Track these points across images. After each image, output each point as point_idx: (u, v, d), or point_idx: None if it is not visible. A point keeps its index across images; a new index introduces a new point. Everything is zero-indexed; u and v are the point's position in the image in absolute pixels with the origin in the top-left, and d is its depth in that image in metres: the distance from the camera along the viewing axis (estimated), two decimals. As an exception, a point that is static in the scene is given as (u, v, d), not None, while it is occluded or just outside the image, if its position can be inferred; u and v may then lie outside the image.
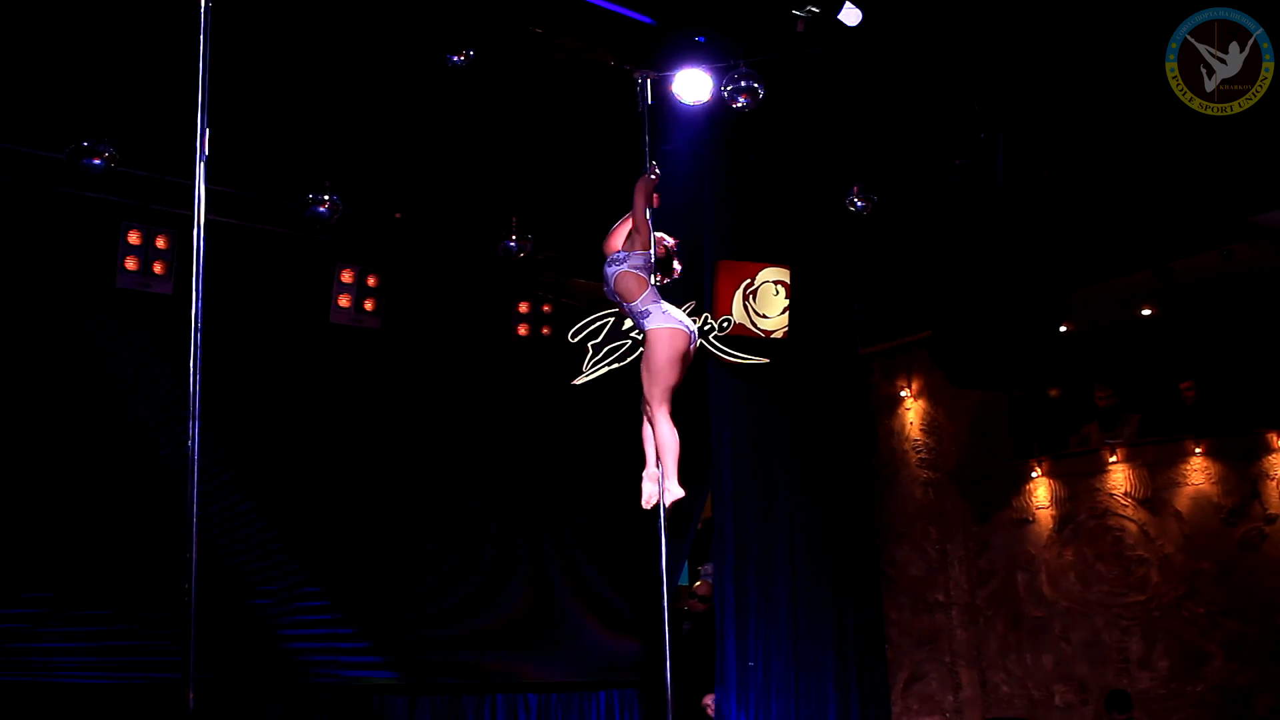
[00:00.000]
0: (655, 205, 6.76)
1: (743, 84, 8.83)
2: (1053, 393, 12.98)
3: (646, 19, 9.43)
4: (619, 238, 6.67)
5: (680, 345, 6.38)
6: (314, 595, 10.33)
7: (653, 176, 6.64)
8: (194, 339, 4.88)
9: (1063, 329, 10.47)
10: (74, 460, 9.34)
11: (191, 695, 4.66)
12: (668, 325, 6.38)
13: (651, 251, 6.52)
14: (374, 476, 10.76)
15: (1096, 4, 9.14)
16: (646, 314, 6.34)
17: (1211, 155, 9.76)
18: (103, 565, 9.31)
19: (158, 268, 9.48)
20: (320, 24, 9.05)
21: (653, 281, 6.52)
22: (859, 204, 10.68)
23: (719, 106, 9.08)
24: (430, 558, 10.94)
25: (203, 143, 5.03)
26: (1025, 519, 12.07)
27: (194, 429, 4.81)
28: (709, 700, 11.11)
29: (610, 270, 6.45)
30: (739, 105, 8.96)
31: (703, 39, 9.38)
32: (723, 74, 8.86)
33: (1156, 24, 8.37)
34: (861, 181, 10.68)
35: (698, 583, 12.52)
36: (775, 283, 11.01)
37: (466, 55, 9.16)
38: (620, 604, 11.81)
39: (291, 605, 10.24)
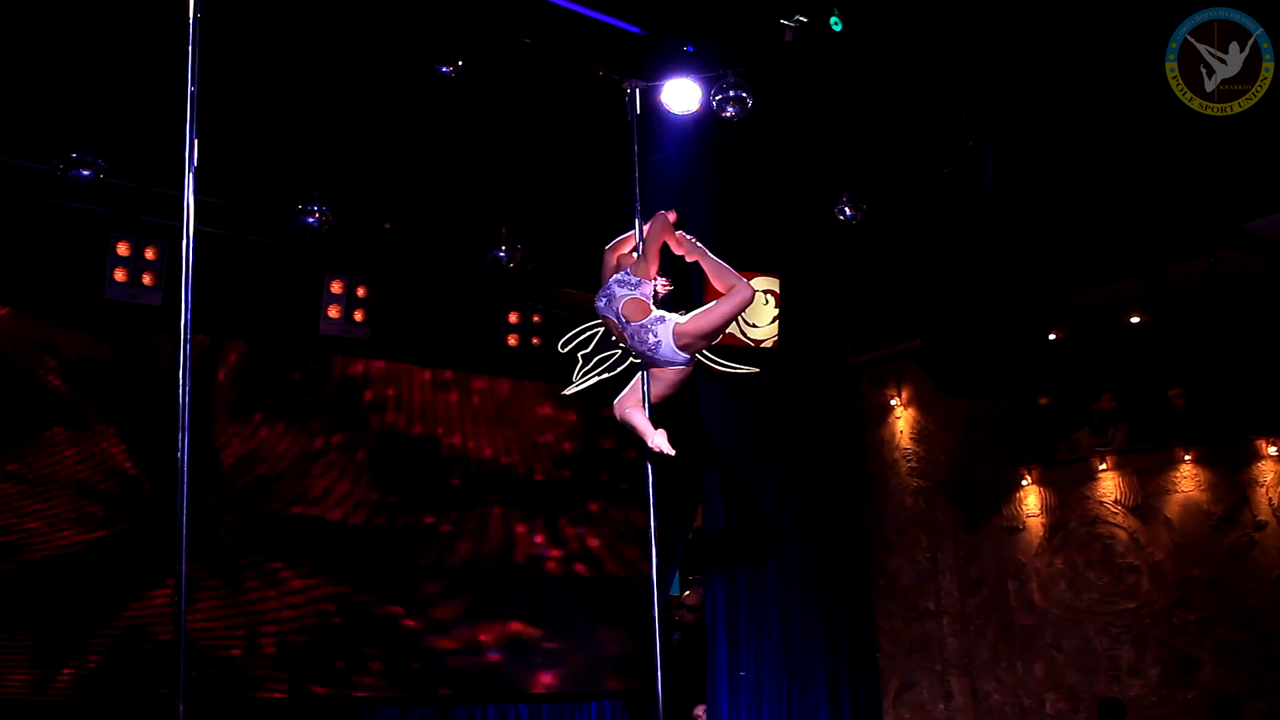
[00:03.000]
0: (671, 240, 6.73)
1: (731, 93, 8.83)
2: (1042, 401, 12.98)
3: (635, 29, 9.44)
4: (625, 258, 6.65)
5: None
6: (306, 604, 10.34)
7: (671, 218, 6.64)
8: (183, 350, 4.85)
9: (1052, 337, 10.48)
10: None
11: (181, 705, 4.63)
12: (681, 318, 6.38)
13: (653, 284, 6.50)
14: (366, 491, 10.78)
15: (1087, 12, 9.16)
16: (661, 319, 6.31)
17: (1200, 162, 9.79)
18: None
19: (147, 279, 9.48)
20: (309, 34, 9.04)
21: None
22: (848, 212, 10.67)
23: (708, 115, 9.08)
24: (424, 567, 10.95)
25: (191, 153, 5.01)
26: (1016, 527, 12.07)
27: (183, 440, 4.79)
28: (700, 710, 11.09)
29: (622, 292, 6.38)
30: (728, 114, 8.96)
31: (691, 48, 9.38)
32: (711, 83, 8.86)
33: (1151, 26, 8.38)
34: (851, 190, 10.68)
35: (687, 592, 12.51)
36: (765, 292, 10.99)
37: (455, 65, 9.16)
38: (613, 614, 11.81)
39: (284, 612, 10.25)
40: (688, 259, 6.61)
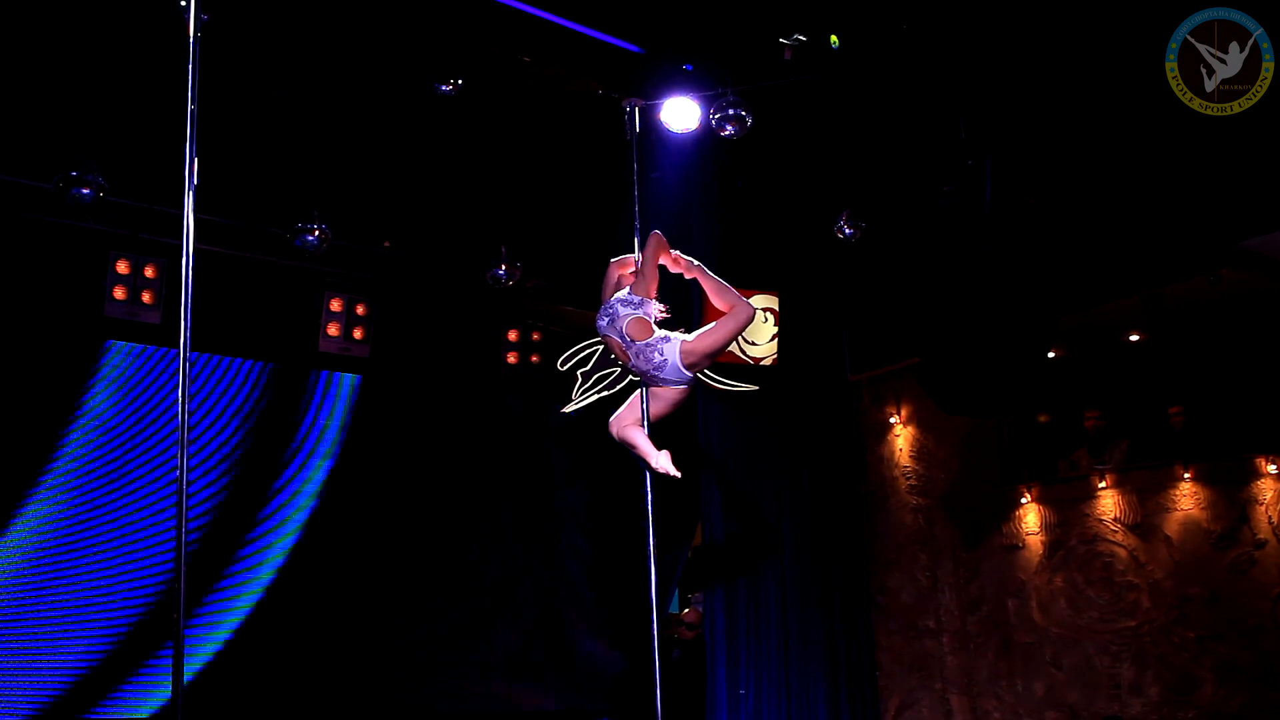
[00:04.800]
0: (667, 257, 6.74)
1: (730, 112, 8.85)
2: (1042, 419, 12.98)
3: (634, 47, 9.46)
4: (625, 277, 6.67)
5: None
6: (304, 628, 10.31)
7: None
8: (182, 368, 4.86)
9: (1051, 355, 10.48)
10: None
11: (180, 704, 4.64)
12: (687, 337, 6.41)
13: (655, 304, 6.52)
14: (365, 507, 10.77)
15: (1085, 27, 9.17)
16: (667, 339, 6.34)
17: (1199, 180, 9.80)
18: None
19: (146, 297, 9.48)
20: (309, 53, 9.07)
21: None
22: (847, 231, 10.69)
23: (707, 134, 9.10)
24: (422, 589, 10.93)
25: (191, 171, 5.03)
26: (1015, 545, 12.06)
27: (183, 457, 4.79)
28: (699, 728, 11.09)
29: (625, 311, 6.40)
30: (727, 133, 8.97)
31: (690, 67, 9.40)
32: (710, 102, 8.88)
33: (1149, 35, 8.39)
34: (849, 209, 10.70)
35: (686, 610, 12.50)
36: (764, 310, 11.00)
37: (455, 84, 9.18)
38: (611, 631, 11.80)
39: (281, 638, 10.22)
40: (686, 276, 6.64)
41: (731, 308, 6.42)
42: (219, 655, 9.88)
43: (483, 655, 11.19)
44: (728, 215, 11.15)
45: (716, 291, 6.56)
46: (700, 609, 11.72)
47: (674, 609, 13.10)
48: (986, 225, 9.48)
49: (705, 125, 8.92)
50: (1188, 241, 10.24)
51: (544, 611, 11.61)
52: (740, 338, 10.73)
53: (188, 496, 4.81)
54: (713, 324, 6.43)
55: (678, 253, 6.65)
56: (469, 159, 10.40)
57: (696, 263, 6.62)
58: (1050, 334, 9.78)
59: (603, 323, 6.46)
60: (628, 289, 6.50)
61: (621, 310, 6.39)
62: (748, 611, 11.25)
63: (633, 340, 6.32)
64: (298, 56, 9.05)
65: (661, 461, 6.40)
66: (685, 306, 10.72)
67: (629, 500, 12.04)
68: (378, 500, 10.82)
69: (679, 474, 6.44)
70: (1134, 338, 12.42)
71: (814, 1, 9.13)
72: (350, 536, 10.62)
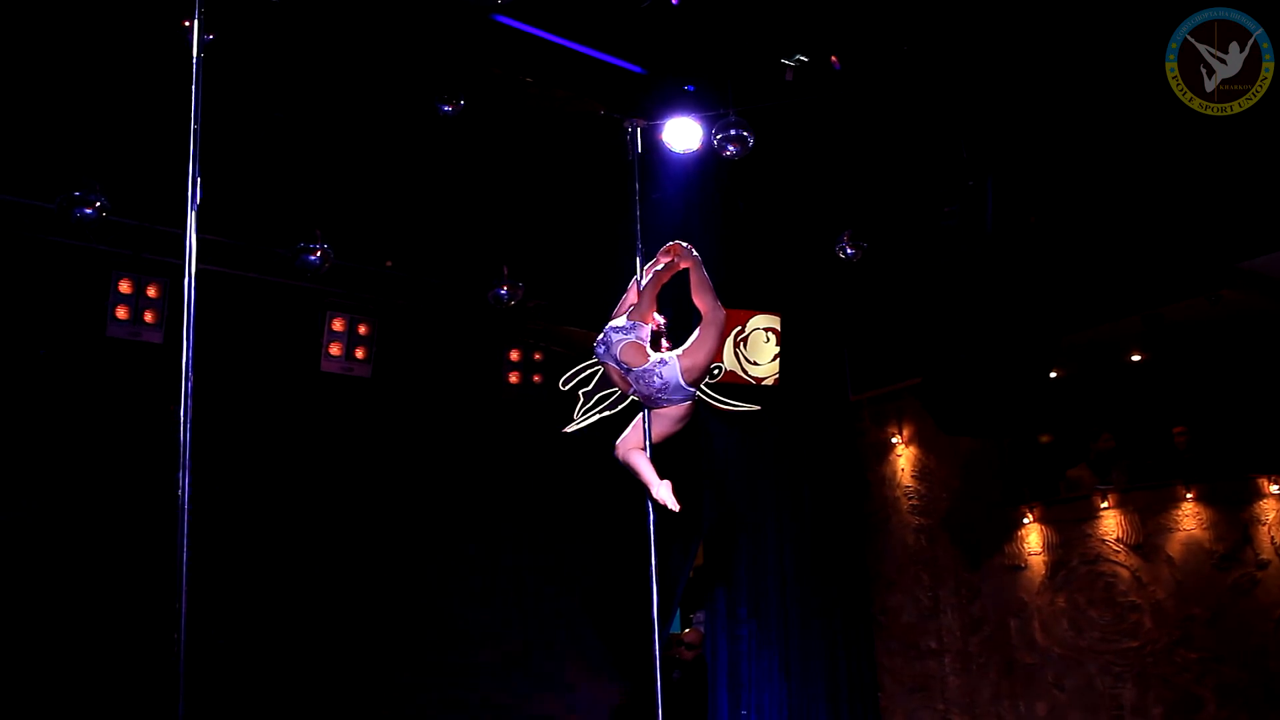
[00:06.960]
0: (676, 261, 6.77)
1: (732, 132, 8.87)
2: (1043, 439, 12.98)
3: (636, 68, 9.48)
4: (625, 306, 6.73)
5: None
6: (305, 650, 10.28)
7: (659, 268, 6.68)
8: (184, 388, 4.86)
9: (1053, 375, 10.48)
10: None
11: (181, 706, 4.64)
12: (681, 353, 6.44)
13: (649, 327, 6.57)
14: (364, 526, 10.74)
15: (1083, 40, 9.19)
16: (664, 362, 6.38)
17: (1199, 201, 9.81)
18: (97, 615, 9.26)
19: (148, 316, 9.47)
20: (312, 73, 9.08)
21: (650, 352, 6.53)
22: (849, 251, 10.70)
23: (709, 154, 9.12)
24: (421, 610, 10.90)
25: (194, 191, 5.04)
26: (1017, 565, 12.05)
27: (184, 479, 4.79)
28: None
29: (618, 337, 6.45)
30: (728, 153, 8.99)
31: (692, 88, 9.43)
32: (712, 122, 8.90)
33: (1150, 39, 8.40)
34: (851, 229, 10.71)
35: (688, 630, 12.47)
36: (766, 330, 11.02)
37: (457, 104, 9.20)
38: (611, 652, 11.76)
39: (283, 661, 10.18)
40: (681, 265, 6.67)
41: (709, 311, 6.54)
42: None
43: (477, 676, 11.14)
44: (729, 235, 11.16)
45: (699, 288, 6.62)
46: (701, 629, 11.69)
47: (675, 629, 13.07)
48: (988, 245, 9.49)
49: (707, 145, 8.94)
50: (1188, 261, 10.26)
51: (540, 632, 11.57)
52: (743, 357, 10.79)
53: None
54: (698, 336, 6.50)
55: (679, 242, 6.70)
56: (471, 179, 10.41)
57: (696, 254, 6.66)
58: (1052, 354, 9.78)
59: (600, 350, 6.54)
60: (624, 316, 6.56)
61: (615, 337, 6.47)
62: (749, 631, 11.24)
63: (630, 367, 6.38)
64: (301, 77, 9.07)
65: (663, 493, 6.44)
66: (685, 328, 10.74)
67: (631, 520, 12.04)
68: (373, 522, 10.80)
69: (679, 507, 6.46)
70: (1136, 358, 12.43)
71: (815, 23, 9.15)
72: (347, 559, 10.60)
